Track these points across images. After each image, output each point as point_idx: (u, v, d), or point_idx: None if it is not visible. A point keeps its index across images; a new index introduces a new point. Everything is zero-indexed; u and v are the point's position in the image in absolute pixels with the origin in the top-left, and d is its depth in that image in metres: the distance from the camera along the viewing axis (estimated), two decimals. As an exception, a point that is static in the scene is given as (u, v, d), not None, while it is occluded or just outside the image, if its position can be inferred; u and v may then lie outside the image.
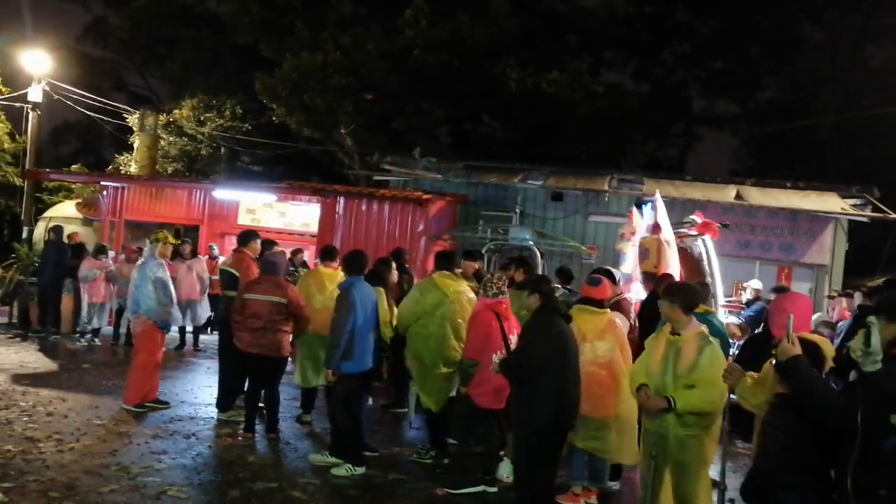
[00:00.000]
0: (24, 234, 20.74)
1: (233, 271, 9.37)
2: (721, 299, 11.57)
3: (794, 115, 28.93)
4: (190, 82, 29.87)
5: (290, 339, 8.94)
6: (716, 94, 34.76)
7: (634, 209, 12.11)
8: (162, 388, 10.12)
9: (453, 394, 8.05)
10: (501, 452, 7.76)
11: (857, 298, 11.08)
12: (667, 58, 33.76)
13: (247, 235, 9.87)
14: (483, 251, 14.42)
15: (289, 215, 18.21)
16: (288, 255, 12.47)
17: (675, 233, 11.44)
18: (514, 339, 7.06)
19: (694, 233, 12.00)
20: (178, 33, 30.49)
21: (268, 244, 10.21)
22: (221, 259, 13.78)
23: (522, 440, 6.26)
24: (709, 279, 11.38)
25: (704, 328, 5.74)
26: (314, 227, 16.30)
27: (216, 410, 9.49)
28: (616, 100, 26.31)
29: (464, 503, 7.07)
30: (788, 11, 30.88)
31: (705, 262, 11.69)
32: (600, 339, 6.95)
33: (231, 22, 28.15)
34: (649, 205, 11.59)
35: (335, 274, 9.14)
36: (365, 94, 24.04)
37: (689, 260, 11.99)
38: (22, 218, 22.05)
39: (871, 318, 3.75)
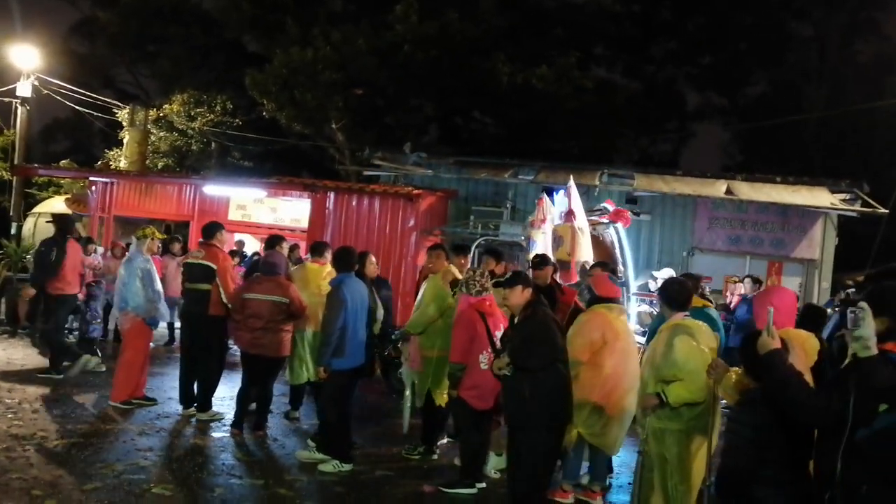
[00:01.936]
0: (13, 230, 20.64)
1: (208, 264, 9.11)
2: (633, 287, 11.51)
3: (782, 110, 28.98)
4: (180, 79, 29.73)
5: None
6: (705, 89, 34.82)
7: (545, 196, 12.13)
8: (149, 385, 10.07)
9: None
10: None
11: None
12: (656, 54, 33.82)
13: (212, 226, 9.57)
14: (474, 247, 14.40)
15: (279, 211, 18.12)
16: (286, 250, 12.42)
17: (592, 220, 11.47)
18: (498, 335, 7.00)
19: (606, 221, 12.01)
20: (168, 30, 30.37)
21: (276, 240, 9.96)
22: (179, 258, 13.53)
23: (531, 437, 6.06)
24: (620, 267, 11.36)
25: (685, 320, 5.73)
26: (305, 223, 16.24)
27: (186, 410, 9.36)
28: (605, 95, 26.32)
29: (452, 500, 7.04)
30: (775, 9, 30.93)
31: (617, 250, 11.70)
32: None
33: (221, 18, 28.04)
34: (561, 192, 11.57)
35: (321, 270, 9.09)
36: (355, 89, 23.97)
37: (602, 247, 12.02)
38: (11, 213, 21.97)
39: (862, 304, 3.71)
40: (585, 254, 10.26)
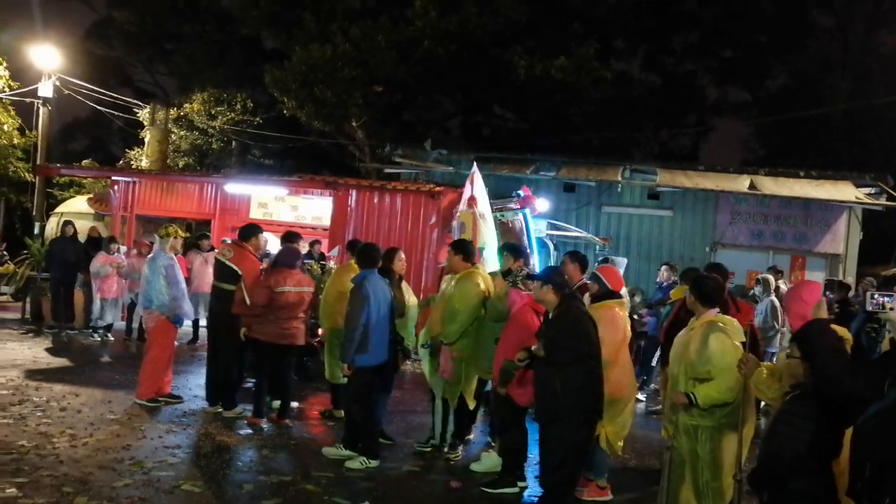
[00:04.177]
0: (36, 230, 20.77)
1: (235, 268, 9.21)
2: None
3: (805, 103, 28.71)
4: (197, 76, 29.85)
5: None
6: (726, 82, 34.56)
7: (475, 171, 12.17)
8: (175, 383, 10.12)
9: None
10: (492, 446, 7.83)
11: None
12: (676, 46, 33.58)
13: (249, 230, 9.71)
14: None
15: (300, 209, 18.14)
16: (306, 247, 12.41)
17: (501, 206, 11.43)
18: None
19: (516, 207, 11.95)
20: (185, 28, 30.47)
21: (293, 236, 10.00)
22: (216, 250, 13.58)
23: (560, 431, 6.08)
24: (528, 252, 11.23)
25: (719, 317, 5.70)
26: (326, 221, 16.25)
27: (215, 409, 9.41)
28: (624, 87, 26.20)
29: (484, 498, 7.02)
30: (797, -1, 30.66)
31: (525, 237, 11.63)
32: None
33: (238, 15, 28.12)
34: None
35: None
36: (375, 86, 23.97)
37: (511, 233, 11.97)
38: (33, 213, 22.10)
39: None
40: (487, 240, 10.24)
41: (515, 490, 7.13)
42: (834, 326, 4.60)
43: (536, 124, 26.51)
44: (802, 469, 4.20)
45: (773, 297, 11.83)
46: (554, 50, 23.63)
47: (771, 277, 12.37)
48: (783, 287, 12.62)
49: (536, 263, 11.03)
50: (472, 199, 10.56)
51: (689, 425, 5.53)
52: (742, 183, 17.27)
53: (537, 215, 14.07)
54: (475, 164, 11.38)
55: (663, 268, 12.45)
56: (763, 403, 7.17)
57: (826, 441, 4.17)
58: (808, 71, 32.06)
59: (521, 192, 12.30)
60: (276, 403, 9.29)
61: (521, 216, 11.79)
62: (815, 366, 4.17)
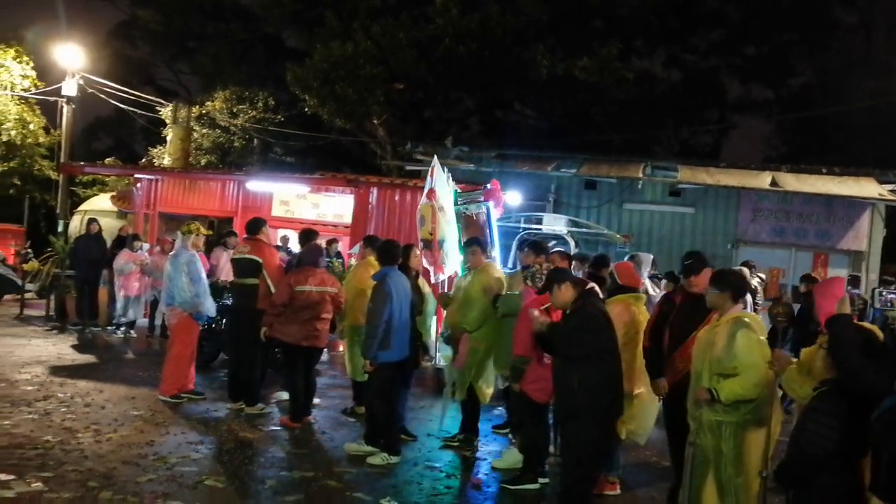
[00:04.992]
0: (60, 228, 20.94)
1: (254, 258, 9.27)
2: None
3: (828, 100, 28.49)
4: (220, 75, 30.01)
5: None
6: (748, 79, 34.33)
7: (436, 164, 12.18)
8: (197, 379, 10.15)
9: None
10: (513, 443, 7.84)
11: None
12: (699, 44, 33.40)
13: (256, 222, 9.74)
14: (515, 241, 14.35)
15: (322, 206, 18.20)
16: (323, 245, 12.42)
17: (467, 199, 11.40)
18: None
19: (481, 200, 11.91)
20: (208, 26, 30.63)
21: (311, 234, 9.84)
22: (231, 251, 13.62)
23: (578, 427, 6.05)
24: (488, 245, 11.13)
25: (745, 313, 5.68)
26: (347, 219, 16.30)
27: (237, 405, 9.44)
28: (646, 86, 26.09)
29: (506, 494, 7.04)
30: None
31: (487, 230, 11.58)
32: None
33: (261, 14, 28.25)
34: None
35: None
36: (396, 83, 24.00)
37: (475, 226, 11.93)
38: (57, 211, 22.29)
39: None
40: (446, 233, 10.23)
41: (536, 486, 7.12)
42: (864, 324, 4.59)
43: (557, 122, 26.44)
44: (830, 466, 4.17)
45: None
46: (575, 49, 23.59)
47: (746, 271, 12.16)
48: (757, 282, 12.60)
49: (498, 257, 10.94)
50: (431, 193, 10.57)
51: (714, 421, 5.49)
52: (764, 180, 17.17)
53: (508, 211, 14.17)
54: (435, 157, 11.40)
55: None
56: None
57: (852, 437, 4.13)
58: (831, 68, 31.80)
59: (488, 185, 12.25)
60: (285, 396, 9.41)
61: (484, 209, 11.74)
62: (837, 360, 4.19)
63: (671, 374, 6.40)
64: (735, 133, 37.80)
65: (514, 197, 15.16)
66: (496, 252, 10.97)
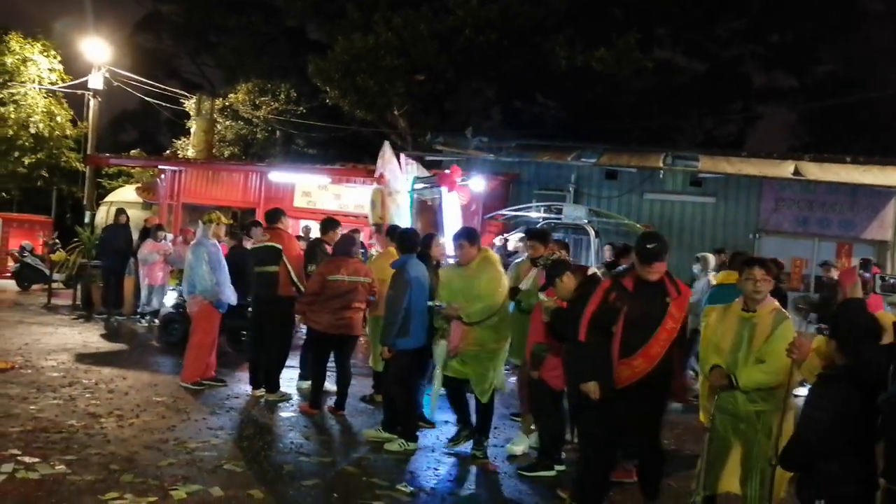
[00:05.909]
0: (86, 219, 21.20)
1: (274, 245, 9.41)
2: (449, 253, 10.01)
3: (853, 88, 28.19)
4: (243, 67, 30.16)
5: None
6: (772, 68, 33.99)
7: (386, 147, 12.23)
8: (218, 367, 10.31)
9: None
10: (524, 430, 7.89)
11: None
12: (721, 33, 33.10)
13: (275, 212, 9.88)
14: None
15: (343, 197, 18.31)
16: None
17: (423, 184, 11.38)
18: None
19: (434, 185, 11.88)
20: (230, 20, 30.79)
21: (332, 224, 9.93)
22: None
23: (595, 415, 5.99)
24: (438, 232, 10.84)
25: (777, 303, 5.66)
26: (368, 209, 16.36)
27: (258, 392, 9.56)
28: (667, 76, 25.94)
29: (524, 480, 7.09)
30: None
31: (440, 215, 11.53)
32: None
33: (283, 6, 28.36)
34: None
35: None
36: (416, 75, 24.03)
37: (430, 211, 11.90)
38: (84, 202, 22.58)
39: None
40: (398, 218, 10.19)
41: (552, 473, 7.15)
42: (880, 313, 4.58)
43: (577, 113, 26.37)
44: (833, 452, 4.15)
45: (710, 276, 11.13)
46: (594, 39, 23.47)
47: (711, 256, 11.91)
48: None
49: (448, 242, 10.22)
50: (380, 177, 10.57)
51: (753, 411, 5.44)
52: (786, 169, 17.04)
53: (471, 197, 14.19)
54: (386, 142, 11.43)
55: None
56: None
57: (856, 423, 4.10)
58: (857, 56, 31.44)
59: (448, 171, 12.19)
60: (306, 385, 9.54)
61: (438, 194, 11.69)
62: (847, 346, 4.16)
63: (627, 374, 5.75)
64: (760, 123, 37.38)
65: (477, 183, 15.03)
66: (445, 239, 10.30)
